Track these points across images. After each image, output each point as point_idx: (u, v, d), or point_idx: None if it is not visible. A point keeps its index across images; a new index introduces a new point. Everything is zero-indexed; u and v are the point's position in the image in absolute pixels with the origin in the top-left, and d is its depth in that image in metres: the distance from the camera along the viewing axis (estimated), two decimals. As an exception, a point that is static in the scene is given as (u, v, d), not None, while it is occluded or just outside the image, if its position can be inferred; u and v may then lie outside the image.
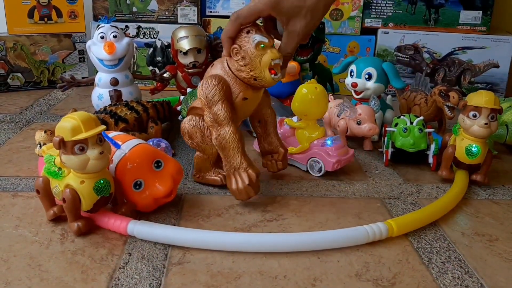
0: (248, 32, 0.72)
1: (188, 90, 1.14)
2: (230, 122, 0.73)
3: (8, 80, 1.41)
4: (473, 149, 0.82)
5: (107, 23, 1.08)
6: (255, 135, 1.01)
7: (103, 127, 0.63)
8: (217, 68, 0.76)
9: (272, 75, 0.72)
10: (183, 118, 0.99)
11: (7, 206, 0.74)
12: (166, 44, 1.44)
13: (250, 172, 0.73)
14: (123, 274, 0.59)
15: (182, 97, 1.14)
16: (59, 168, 0.64)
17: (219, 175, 0.81)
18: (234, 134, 0.73)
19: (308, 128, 0.89)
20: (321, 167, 0.87)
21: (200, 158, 0.81)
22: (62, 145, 0.61)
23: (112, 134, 0.74)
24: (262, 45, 0.71)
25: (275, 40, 0.75)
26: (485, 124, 0.79)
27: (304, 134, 0.89)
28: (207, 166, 0.81)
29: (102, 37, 1.07)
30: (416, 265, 0.62)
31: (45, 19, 1.42)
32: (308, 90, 0.87)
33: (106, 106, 0.95)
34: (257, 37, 0.71)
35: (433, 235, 0.70)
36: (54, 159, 0.65)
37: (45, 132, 0.80)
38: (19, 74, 1.42)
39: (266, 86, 0.75)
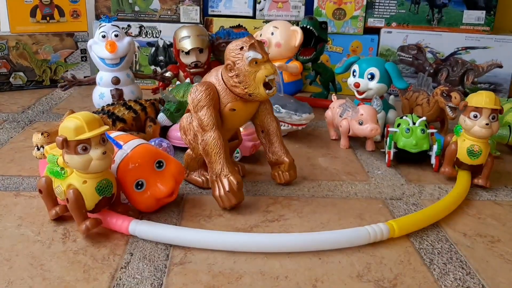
0: (241, 49, 0.71)
1: (177, 82, 1.14)
2: (214, 128, 0.73)
3: (10, 79, 1.41)
4: (475, 150, 0.82)
5: (108, 22, 1.08)
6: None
7: (106, 127, 0.63)
8: (212, 76, 0.76)
9: (267, 91, 0.72)
10: (164, 111, 1.00)
11: (9, 205, 0.75)
12: (168, 43, 1.44)
13: (231, 179, 0.72)
14: (125, 274, 0.59)
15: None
16: (62, 168, 0.64)
17: (202, 177, 0.81)
18: (216, 140, 0.72)
19: None
20: (237, 154, 0.92)
21: (189, 156, 0.81)
22: (65, 144, 0.61)
23: (114, 134, 0.74)
24: (255, 62, 0.71)
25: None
26: (486, 124, 0.79)
27: None
28: (194, 165, 0.82)
29: (103, 36, 1.07)
30: (418, 266, 0.62)
31: (47, 18, 1.43)
32: None
33: (103, 106, 0.95)
34: (251, 54, 0.71)
35: (435, 236, 0.69)
36: (57, 159, 0.65)
37: (42, 134, 0.80)
38: (21, 73, 1.42)
39: (261, 100, 0.76)
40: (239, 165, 0.87)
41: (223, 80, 0.74)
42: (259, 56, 0.71)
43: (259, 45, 0.72)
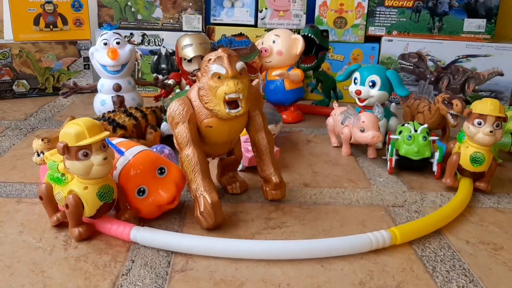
0: (209, 60, 0.68)
1: (177, 91, 1.14)
2: (188, 145, 0.69)
3: (13, 87, 1.42)
4: (477, 157, 0.82)
5: (110, 30, 1.09)
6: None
7: (107, 133, 0.63)
8: (193, 90, 0.72)
9: (228, 110, 0.68)
10: (166, 120, 0.99)
11: (11, 212, 0.75)
12: (170, 51, 1.45)
13: (206, 198, 0.67)
14: (126, 281, 0.59)
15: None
16: (62, 174, 0.64)
17: None
18: (190, 158, 0.69)
19: None
20: (240, 165, 0.89)
21: None
22: (66, 150, 0.61)
23: (116, 140, 0.74)
24: (218, 77, 0.67)
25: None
26: (490, 132, 0.79)
27: None
28: None
29: (105, 44, 1.08)
30: (420, 273, 0.62)
31: (51, 26, 1.44)
32: None
33: (104, 113, 0.96)
34: (214, 68, 0.66)
35: (438, 244, 0.69)
36: (58, 165, 0.65)
37: (42, 140, 0.80)
38: (24, 81, 1.43)
39: (224, 118, 0.70)
40: (238, 182, 0.83)
41: (198, 94, 0.71)
42: (222, 71, 0.66)
43: (228, 59, 0.67)
